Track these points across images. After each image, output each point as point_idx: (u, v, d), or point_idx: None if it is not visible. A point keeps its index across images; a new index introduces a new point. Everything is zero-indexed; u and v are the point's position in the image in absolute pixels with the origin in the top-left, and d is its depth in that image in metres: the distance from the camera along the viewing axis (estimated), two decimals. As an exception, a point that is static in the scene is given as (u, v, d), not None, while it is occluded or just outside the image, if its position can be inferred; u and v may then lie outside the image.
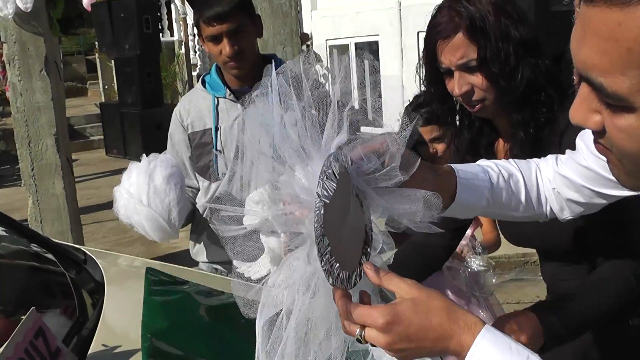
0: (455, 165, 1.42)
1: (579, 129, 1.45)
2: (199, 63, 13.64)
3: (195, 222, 2.85)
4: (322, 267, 1.07)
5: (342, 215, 1.11)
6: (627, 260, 1.73)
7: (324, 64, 13.15)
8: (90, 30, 27.76)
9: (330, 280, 1.08)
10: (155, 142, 10.46)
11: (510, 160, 1.57)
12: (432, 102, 2.03)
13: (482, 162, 1.53)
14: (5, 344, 1.35)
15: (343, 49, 13.18)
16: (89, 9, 18.58)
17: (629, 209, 1.63)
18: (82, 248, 2.66)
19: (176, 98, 15.10)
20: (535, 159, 1.60)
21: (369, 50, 12.65)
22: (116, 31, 11.37)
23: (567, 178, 1.50)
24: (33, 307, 1.56)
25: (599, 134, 0.95)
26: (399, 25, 11.43)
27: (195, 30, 2.63)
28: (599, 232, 1.74)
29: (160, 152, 2.62)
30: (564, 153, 1.57)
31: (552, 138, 1.78)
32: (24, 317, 1.48)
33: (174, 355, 1.86)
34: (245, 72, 2.65)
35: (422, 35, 7.15)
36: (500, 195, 1.46)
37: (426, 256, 2.26)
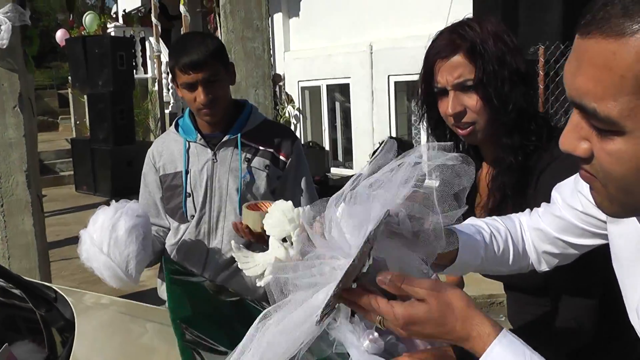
0: (455, 228, 1.48)
1: (555, 172, 1.57)
2: (172, 101, 13.72)
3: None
4: (324, 307, 1.14)
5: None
6: (578, 301, 1.81)
7: (295, 104, 13.31)
8: (63, 64, 27.85)
9: (321, 313, 1.15)
10: (126, 179, 10.52)
11: (495, 217, 1.64)
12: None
13: (473, 221, 1.61)
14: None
15: (315, 91, 13.29)
16: (62, 43, 18.57)
17: (587, 254, 1.71)
18: (53, 286, 2.70)
19: (148, 135, 15.12)
20: (516, 214, 1.68)
21: (340, 92, 12.81)
22: (90, 67, 11.46)
23: (542, 231, 1.58)
24: (6, 344, 1.61)
25: (586, 161, 1.02)
26: (370, 69, 11.56)
27: (170, 77, 2.71)
28: (555, 272, 1.82)
29: (130, 190, 2.66)
30: (539, 195, 1.66)
31: (539, 165, 1.85)
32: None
33: (201, 340, 1.93)
34: (218, 119, 2.71)
35: (393, 79, 7.38)
36: (493, 254, 1.54)
37: None
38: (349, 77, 12.02)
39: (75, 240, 2.53)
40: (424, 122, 2.05)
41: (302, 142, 13.00)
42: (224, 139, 2.72)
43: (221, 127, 2.74)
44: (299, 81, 13.44)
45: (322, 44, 12.82)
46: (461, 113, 1.87)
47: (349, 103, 12.29)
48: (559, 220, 1.54)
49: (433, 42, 1.92)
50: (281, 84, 13.45)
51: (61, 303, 2.53)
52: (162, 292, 2.92)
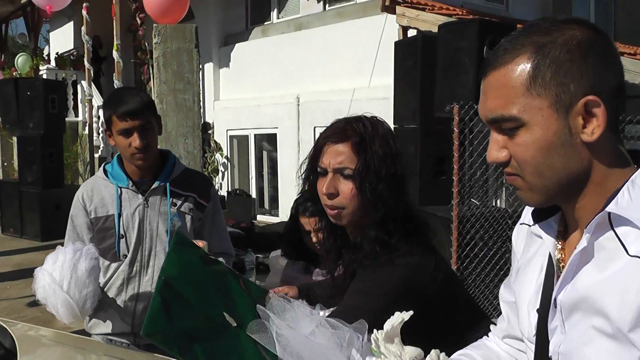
0: None
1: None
2: (102, 145, 13.73)
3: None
4: None
5: None
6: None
7: (224, 152, 13.54)
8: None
9: None
10: (54, 222, 10.47)
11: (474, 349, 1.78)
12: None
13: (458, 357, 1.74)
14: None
15: (243, 139, 13.53)
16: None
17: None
18: None
19: (77, 179, 15.08)
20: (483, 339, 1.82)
21: (268, 141, 13.10)
22: (21, 109, 11.36)
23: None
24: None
25: (507, 164, 1.35)
26: (297, 120, 11.85)
27: (103, 125, 2.99)
28: None
29: (58, 234, 2.86)
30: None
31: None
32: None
33: (182, 298, 2.18)
34: (149, 164, 3.00)
35: (318, 130, 7.85)
36: None
37: None
38: (277, 127, 12.28)
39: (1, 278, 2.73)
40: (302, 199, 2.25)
41: (230, 189, 13.24)
42: (154, 185, 3.03)
43: (150, 174, 3.04)
44: (227, 130, 13.68)
45: (251, 94, 13.10)
46: (333, 195, 2.03)
47: (276, 152, 12.53)
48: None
49: (328, 127, 2.11)
50: (210, 132, 13.69)
51: (1, 333, 2.74)
52: (90, 327, 3.14)
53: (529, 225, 1.52)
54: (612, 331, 1.23)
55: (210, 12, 13.78)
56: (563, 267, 1.37)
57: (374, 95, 10.28)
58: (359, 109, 8.19)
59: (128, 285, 3.04)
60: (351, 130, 2.05)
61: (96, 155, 13.29)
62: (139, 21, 11.76)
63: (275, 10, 13.43)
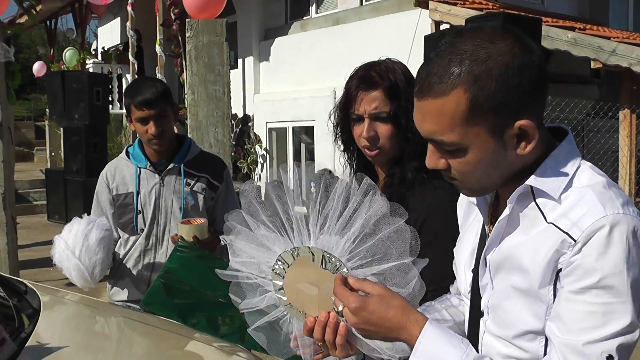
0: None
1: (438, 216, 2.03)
2: (146, 137, 14.03)
3: (115, 268, 3.37)
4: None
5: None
6: None
7: (263, 144, 13.78)
8: (41, 96, 28.01)
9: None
10: None
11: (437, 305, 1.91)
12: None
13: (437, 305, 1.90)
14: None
15: (281, 132, 13.72)
16: (37, 74, 18.95)
17: None
18: (23, 280, 3.21)
19: (120, 168, 15.43)
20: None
21: (306, 133, 13.27)
22: (67, 101, 11.70)
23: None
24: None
25: (447, 171, 1.49)
26: None
27: (125, 112, 3.27)
28: None
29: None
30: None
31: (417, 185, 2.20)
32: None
33: (182, 282, 2.44)
34: (164, 149, 3.27)
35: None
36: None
37: None
38: (314, 120, 12.41)
39: (44, 263, 3.03)
40: (338, 141, 2.40)
41: (268, 181, 13.35)
42: (169, 166, 3.29)
43: (166, 156, 3.31)
44: (266, 122, 13.86)
45: (290, 87, 13.31)
46: (374, 138, 2.20)
47: (313, 144, 12.69)
48: None
49: (352, 76, 2.26)
50: (250, 124, 13.94)
51: (30, 295, 3.05)
52: (112, 294, 3.44)
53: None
54: (526, 287, 1.45)
55: (251, 7, 14.00)
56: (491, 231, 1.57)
57: (408, 88, 10.43)
58: None
59: (145, 256, 3.32)
60: (378, 76, 2.21)
61: (140, 146, 13.45)
62: (173, 16, 12.04)
63: (314, 5, 13.62)
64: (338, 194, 1.63)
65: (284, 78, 13.54)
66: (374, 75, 2.22)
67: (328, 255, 1.58)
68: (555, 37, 8.14)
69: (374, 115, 2.20)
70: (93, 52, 20.14)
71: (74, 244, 2.99)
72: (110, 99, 14.83)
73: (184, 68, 6.48)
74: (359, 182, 1.63)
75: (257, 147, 13.74)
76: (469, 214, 1.76)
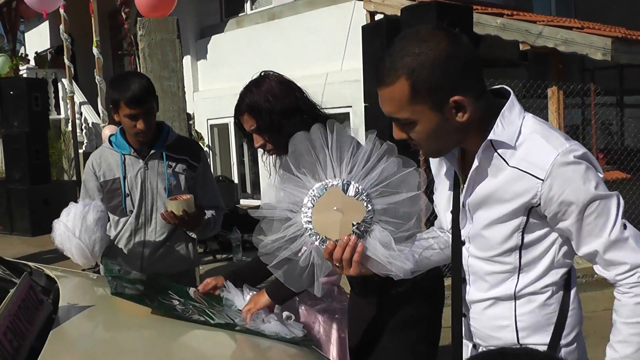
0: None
1: None
2: (86, 141, 13.98)
3: (107, 249, 3.53)
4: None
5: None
6: None
7: (205, 141, 13.91)
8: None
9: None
10: (44, 217, 10.60)
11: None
12: None
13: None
14: (11, 292, 2.14)
15: (223, 128, 13.89)
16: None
17: None
18: (28, 263, 3.33)
19: (62, 175, 15.34)
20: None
21: (247, 129, 13.44)
22: (5, 109, 11.59)
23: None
24: (25, 272, 2.36)
25: (410, 140, 1.90)
26: None
27: (86, 122, 3.49)
28: None
29: (48, 227, 3.35)
30: None
31: None
32: (20, 279, 2.29)
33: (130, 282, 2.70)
34: (149, 139, 3.52)
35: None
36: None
37: None
38: None
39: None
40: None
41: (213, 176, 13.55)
42: (152, 152, 3.54)
43: (147, 143, 3.55)
44: (207, 119, 14.05)
45: (229, 84, 13.20)
46: (262, 146, 2.86)
47: (254, 138, 12.82)
48: None
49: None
50: (191, 122, 14.05)
51: (36, 275, 3.20)
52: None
53: None
54: (501, 217, 1.94)
55: (186, 6, 13.96)
56: (464, 180, 2.02)
57: (346, 78, 10.74)
58: (333, 92, 9.03)
59: (136, 235, 3.59)
60: (241, 102, 2.85)
61: (80, 151, 13.39)
62: (124, 15, 12.09)
63: (249, 2, 13.83)
64: (365, 150, 1.99)
65: (223, 75, 13.68)
66: (239, 103, 2.87)
67: (357, 186, 1.95)
68: (486, 23, 8.54)
69: (252, 132, 2.86)
70: (25, 57, 19.82)
71: (73, 225, 3.19)
72: (48, 104, 14.67)
73: (138, 66, 6.65)
74: (380, 144, 1.99)
75: (199, 144, 13.84)
76: (440, 168, 2.19)
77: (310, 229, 1.99)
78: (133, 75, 3.68)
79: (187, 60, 14.13)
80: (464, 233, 2.07)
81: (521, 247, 1.95)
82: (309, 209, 1.98)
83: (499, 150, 1.89)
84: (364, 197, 1.95)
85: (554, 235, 1.95)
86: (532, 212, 1.90)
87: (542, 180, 1.82)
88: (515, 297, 2.00)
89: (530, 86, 8.35)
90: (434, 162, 2.23)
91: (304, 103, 2.88)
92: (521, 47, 8.63)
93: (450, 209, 2.11)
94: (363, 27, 8.73)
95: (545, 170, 1.81)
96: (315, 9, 11.93)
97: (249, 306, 2.73)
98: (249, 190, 13.94)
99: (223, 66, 13.72)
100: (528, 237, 1.94)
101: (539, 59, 10.66)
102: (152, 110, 3.45)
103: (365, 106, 8.64)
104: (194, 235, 3.75)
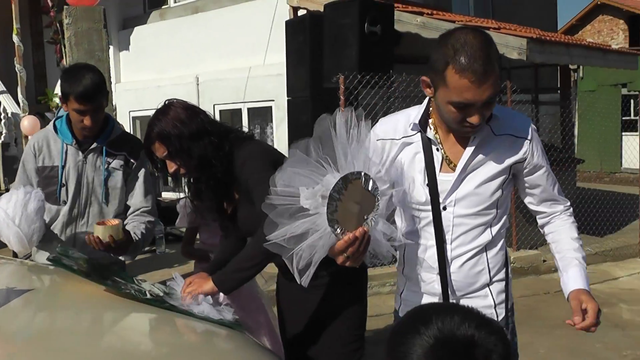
0: None
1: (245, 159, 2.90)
2: (4, 131, 13.65)
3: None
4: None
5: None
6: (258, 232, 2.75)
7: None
8: None
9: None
10: None
11: None
12: None
13: None
14: None
15: (145, 120, 13.67)
16: None
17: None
18: None
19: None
20: None
21: (170, 121, 13.38)
22: None
23: None
24: None
25: (471, 124, 2.21)
26: (197, 99, 12.26)
27: (5, 112, 3.47)
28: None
29: None
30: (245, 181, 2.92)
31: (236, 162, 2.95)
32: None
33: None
34: (94, 134, 3.52)
35: (218, 108, 8.42)
36: None
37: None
38: None
39: None
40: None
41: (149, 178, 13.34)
42: (93, 146, 3.54)
43: (91, 135, 3.55)
44: (130, 111, 13.91)
45: (152, 76, 13.41)
46: (176, 172, 2.95)
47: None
48: None
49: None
50: (114, 113, 13.89)
51: None
52: (36, 256, 3.69)
53: (405, 137, 2.46)
54: (492, 175, 2.37)
55: None
56: (445, 154, 2.39)
57: (269, 72, 10.86)
58: (256, 85, 9.25)
59: (67, 227, 3.60)
60: (150, 131, 2.91)
61: (-1, 141, 13.16)
62: (50, 3, 11.90)
63: (173, -6, 13.76)
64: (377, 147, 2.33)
65: (145, 67, 13.60)
66: (149, 132, 2.93)
67: (374, 181, 2.12)
68: (407, 21, 8.81)
69: (164, 159, 2.94)
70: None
71: (13, 212, 3.21)
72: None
73: (64, 55, 6.64)
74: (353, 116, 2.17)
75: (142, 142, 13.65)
76: (405, 151, 2.45)
77: (334, 220, 2.05)
78: (86, 69, 3.55)
79: (110, 51, 13.96)
80: (450, 198, 2.39)
81: (499, 200, 2.41)
82: (335, 200, 2.04)
83: (489, 123, 2.34)
84: (378, 193, 2.11)
85: (511, 189, 2.48)
86: (512, 169, 2.41)
87: (530, 140, 2.39)
88: (488, 243, 2.45)
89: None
90: (389, 147, 2.46)
91: (209, 125, 2.99)
92: (440, 45, 8.91)
93: (427, 182, 2.40)
94: (286, 22, 8.88)
95: (528, 132, 2.40)
96: (239, 3, 11.97)
97: (191, 288, 2.86)
98: (170, 182, 13.80)
99: (146, 58, 13.61)
100: (505, 191, 2.42)
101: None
102: (100, 108, 3.44)
103: (288, 100, 8.82)
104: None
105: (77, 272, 2.75)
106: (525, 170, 2.45)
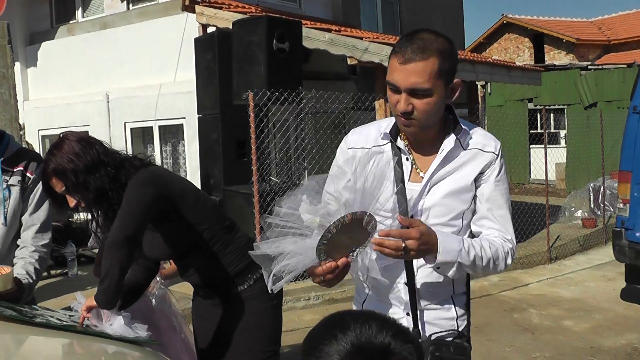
0: None
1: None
2: None
3: None
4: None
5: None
6: None
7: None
8: None
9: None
10: None
11: None
12: None
13: None
14: None
15: (54, 139, 13.34)
16: None
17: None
18: None
19: None
20: None
21: (80, 139, 13.14)
22: None
23: None
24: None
25: (409, 114, 2.25)
26: (108, 117, 12.10)
27: None
28: None
29: None
30: None
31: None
32: None
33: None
34: None
35: (129, 126, 8.39)
36: None
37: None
38: (88, 125, 12.35)
39: None
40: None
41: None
42: None
43: None
44: (39, 130, 13.63)
45: (61, 93, 13.16)
46: (77, 205, 2.95)
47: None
48: None
49: None
50: (22, 132, 13.56)
51: None
52: None
53: (376, 146, 2.51)
54: (460, 188, 2.42)
55: (14, 9, 13.42)
56: (414, 164, 2.46)
57: (180, 89, 10.84)
58: (167, 103, 9.32)
59: None
60: (46, 166, 2.90)
61: None
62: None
63: (80, 9, 13.55)
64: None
65: (54, 84, 13.35)
66: (45, 168, 2.92)
67: (377, 220, 2.14)
68: (315, 37, 8.93)
69: (63, 194, 2.93)
70: None
71: None
72: None
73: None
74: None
75: (42, 158, 13.33)
76: (373, 160, 2.40)
77: (322, 250, 2.08)
78: None
79: (16, 67, 13.55)
80: (419, 205, 2.43)
81: (464, 212, 2.45)
82: (330, 233, 2.05)
83: (458, 136, 2.42)
84: (375, 230, 2.14)
85: (474, 203, 2.48)
86: (477, 181, 2.45)
87: (496, 156, 2.46)
88: None
89: (359, 98, 8.79)
90: (357, 159, 2.47)
91: (105, 155, 2.99)
92: (349, 61, 9.10)
93: (395, 191, 2.41)
94: (196, 40, 8.93)
95: (496, 148, 2.47)
96: (147, 20, 11.91)
97: (83, 308, 2.86)
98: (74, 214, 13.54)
99: (55, 75, 13.37)
100: (470, 204, 2.46)
101: (367, 73, 11.21)
102: None
103: (198, 117, 8.84)
104: None
105: None
106: (481, 180, 2.47)
